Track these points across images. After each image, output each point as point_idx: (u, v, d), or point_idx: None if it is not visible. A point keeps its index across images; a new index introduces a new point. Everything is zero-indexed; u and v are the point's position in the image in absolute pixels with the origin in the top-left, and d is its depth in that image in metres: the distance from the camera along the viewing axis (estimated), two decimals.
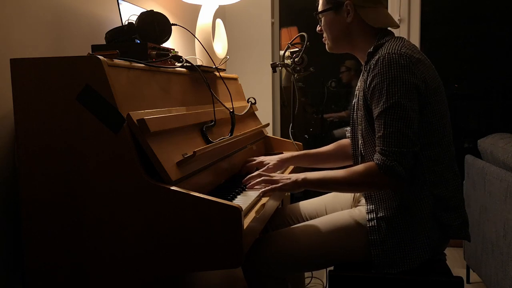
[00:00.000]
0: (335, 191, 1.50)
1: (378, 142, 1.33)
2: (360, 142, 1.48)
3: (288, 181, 1.42)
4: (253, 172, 1.51)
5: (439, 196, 1.38)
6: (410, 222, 1.38)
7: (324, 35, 1.57)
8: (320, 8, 1.54)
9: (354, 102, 1.55)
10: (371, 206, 1.43)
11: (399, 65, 1.30)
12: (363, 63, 1.51)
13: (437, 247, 1.41)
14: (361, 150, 1.49)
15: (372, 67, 1.36)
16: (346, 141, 1.78)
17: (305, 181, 1.42)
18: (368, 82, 1.37)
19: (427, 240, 1.37)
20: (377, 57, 1.35)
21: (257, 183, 1.43)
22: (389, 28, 1.49)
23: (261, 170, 1.62)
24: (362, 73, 1.50)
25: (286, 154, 1.77)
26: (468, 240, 1.46)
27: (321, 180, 1.41)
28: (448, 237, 1.42)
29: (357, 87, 1.57)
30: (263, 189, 1.40)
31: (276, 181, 1.43)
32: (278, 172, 1.72)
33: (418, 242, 1.37)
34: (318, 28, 1.59)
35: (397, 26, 1.50)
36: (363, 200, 1.54)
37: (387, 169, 1.30)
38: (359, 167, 1.38)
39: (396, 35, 1.48)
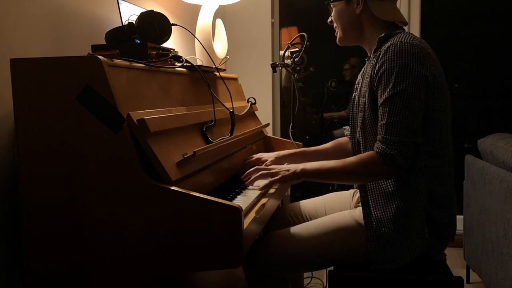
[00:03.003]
0: (334, 181, 1.49)
1: (380, 130, 1.33)
2: (358, 129, 1.48)
3: (287, 172, 1.42)
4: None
5: (432, 191, 1.38)
6: (404, 215, 1.37)
7: (335, 25, 1.58)
8: None
9: (354, 96, 1.55)
10: (366, 201, 1.43)
11: (410, 54, 1.31)
12: (369, 54, 1.51)
13: (430, 243, 1.40)
14: (358, 138, 1.48)
15: (382, 53, 1.36)
16: (344, 139, 1.79)
17: (304, 171, 1.42)
18: (376, 68, 1.37)
19: (421, 233, 1.37)
20: (388, 44, 1.35)
21: (255, 178, 1.43)
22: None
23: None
24: (369, 61, 1.50)
25: (284, 151, 1.77)
26: (452, 240, 1.46)
27: (319, 170, 1.42)
28: (436, 234, 1.41)
29: (357, 81, 1.58)
30: (263, 184, 1.40)
31: (275, 173, 1.43)
32: None
33: (412, 236, 1.37)
34: (329, 19, 1.59)
35: (406, 23, 1.50)
36: None
37: (387, 158, 1.30)
38: (358, 156, 1.38)
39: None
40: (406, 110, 1.30)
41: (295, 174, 1.42)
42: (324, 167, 1.41)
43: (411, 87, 1.30)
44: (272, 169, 1.46)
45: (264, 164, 1.67)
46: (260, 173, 1.44)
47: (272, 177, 1.42)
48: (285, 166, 1.47)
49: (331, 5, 1.55)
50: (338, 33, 1.56)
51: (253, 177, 1.44)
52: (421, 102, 1.32)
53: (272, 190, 1.46)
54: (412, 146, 1.31)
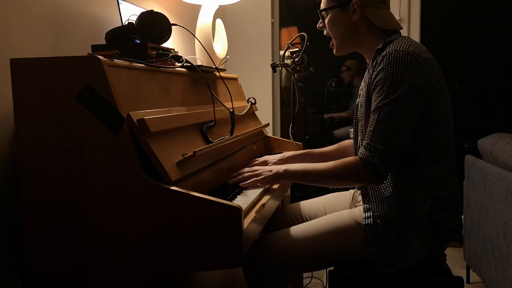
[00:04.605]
0: (316, 183, 1.48)
1: (367, 136, 1.34)
2: (359, 138, 1.49)
3: (270, 173, 1.44)
4: None
5: (436, 196, 1.39)
6: (406, 220, 1.38)
7: (325, 32, 1.56)
8: (324, 4, 1.52)
9: (358, 102, 1.54)
10: (368, 205, 1.44)
11: (404, 64, 1.30)
12: (368, 61, 1.51)
13: (433, 247, 1.41)
14: (360, 144, 1.49)
15: (378, 62, 1.36)
16: (348, 142, 1.78)
17: (286, 172, 1.44)
18: (373, 77, 1.37)
19: (422, 239, 1.37)
20: (384, 53, 1.35)
21: (237, 180, 1.45)
22: None
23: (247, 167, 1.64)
24: (367, 70, 1.50)
25: (288, 153, 1.78)
26: (460, 242, 1.46)
27: (301, 172, 1.43)
28: (440, 238, 1.41)
29: (360, 87, 1.57)
30: (243, 183, 1.42)
31: (258, 174, 1.45)
32: None
33: (413, 241, 1.37)
34: (319, 24, 1.57)
35: (401, 28, 1.50)
36: None
37: (368, 164, 1.31)
38: (342, 160, 1.39)
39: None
40: (394, 119, 1.30)
41: (277, 175, 1.44)
42: (307, 169, 1.43)
43: (402, 97, 1.30)
44: (256, 170, 1.47)
45: (250, 165, 1.68)
46: (242, 176, 1.46)
47: (254, 178, 1.44)
48: (268, 167, 1.48)
49: (324, 13, 1.53)
50: (335, 43, 1.54)
51: (234, 179, 1.45)
52: (413, 112, 1.32)
53: (273, 189, 1.46)
54: (395, 156, 1.31)
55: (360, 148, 1.36)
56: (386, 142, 1.30)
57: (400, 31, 1.49)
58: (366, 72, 1.52)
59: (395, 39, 1.40)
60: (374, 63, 1.39)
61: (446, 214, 1.40)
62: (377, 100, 1.33)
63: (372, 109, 1.35)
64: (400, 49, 1.32)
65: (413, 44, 1.36)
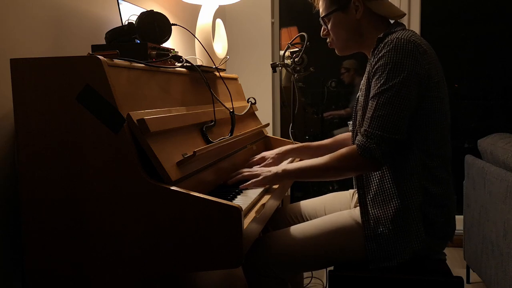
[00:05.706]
0: (316, 179, 1.49)
1: (365, 122, 1.34)
2: (357, 127, 1.49)
3: (269, 173, 1.44)
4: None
5: (428, 190, 1.38)
6: (402, 214, 1.38)
7: (329, 39, 1.56)
8: (324, 11, 1.52)
9: (358, 96, 1.55)
10: (364, 200, 1.43)
11: (405, 50, 1.31)
12: (369, 56, 1.51)
13: (429, 242, 1.40)
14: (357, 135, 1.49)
15: (380, 49, 1.36)
16: (345, 135, 1.79)
17: (285, 172, 1.44)
18: (373, 64, 1.37)
19: (417, 232, 1.37)
20: (386, 40, 1.35)
21: (237, 179, 1.45)
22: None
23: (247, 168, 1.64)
24: (368, 61, 1.50)
25: (286, 147, 1.78)
26: (450, 240, 1.46)
27: (300, 169, 1.43)
28: (431, 232, 1.41)
29: (362, 81, 1.57)
30: (243, 185, 1.42)
31: (257, 175, 1.45)
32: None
33: (409, 234, 1.37)
34: (323, 32, 1.57)
35: (404, 14, 1.49)
36: None
37: (365, 150, 1.31)
38: (337, 152, 1.39)
39: None
40: (392, 106, 1.30)
41: (276, 175, 1.44)
42: (304, 165, 1.43)
43: (402, 84, 1.30)
44: (255, 171, 1.47)
45: (265, 162, 1.68)
46: (242, 175, 1.46)
47: (254, 179, 1.44)
48: (267, 168, 1.49)
49: (325, 19, 1.52)
50: (337, 44, 1.54)
51: (234, 179, 1.45)
52: (411, 100, 1.32)
53: (273, 189, 1.46)
54: (392, 142, 1.31)
55: (357, 136, 1.36)
56: (384, 128, 1.30)
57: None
58: (368, 64, 1.52)
59: (397, 31, 1.40)
60: (375, 52, 1.39)
61: (436, 209, 1.39)
62: (376, 87, 1.33)
63: (371, 95, 1.35)
64: (402, 37, 1.33)
65: (415, 35, 1.37)
